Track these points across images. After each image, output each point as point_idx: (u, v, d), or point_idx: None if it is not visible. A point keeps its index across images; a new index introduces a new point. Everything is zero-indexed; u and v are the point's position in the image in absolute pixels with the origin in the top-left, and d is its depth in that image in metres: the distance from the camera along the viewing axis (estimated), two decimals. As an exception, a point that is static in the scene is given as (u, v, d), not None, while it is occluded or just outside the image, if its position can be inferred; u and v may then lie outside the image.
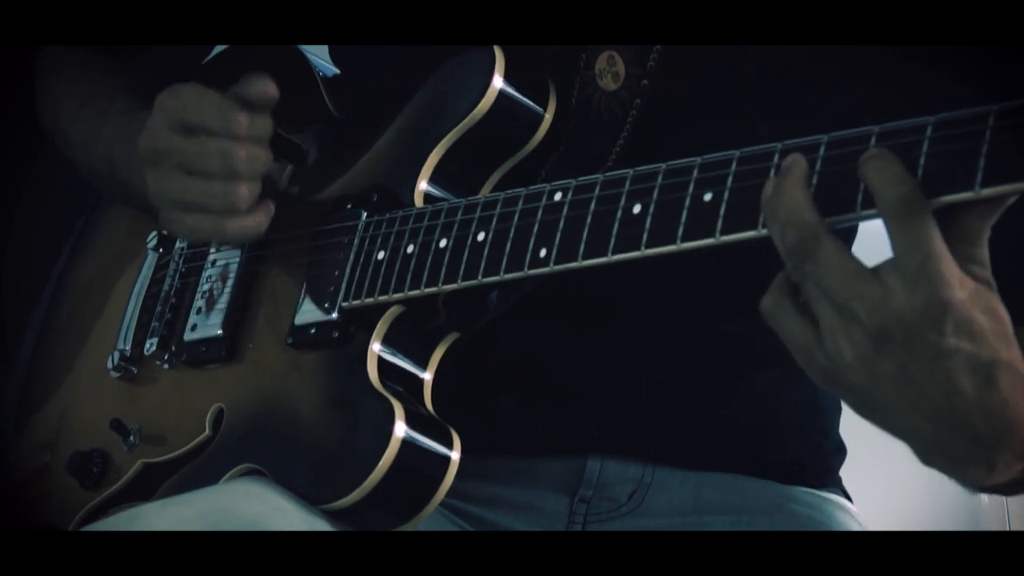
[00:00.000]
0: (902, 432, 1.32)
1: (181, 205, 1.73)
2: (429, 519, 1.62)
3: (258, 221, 1.74)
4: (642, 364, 1.74)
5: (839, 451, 1.90)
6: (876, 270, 1.27)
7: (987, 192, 1.22)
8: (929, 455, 1.32)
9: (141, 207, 1.89)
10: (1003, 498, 2.79)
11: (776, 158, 1.35)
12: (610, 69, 1.73)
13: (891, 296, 1.25)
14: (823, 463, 1.88)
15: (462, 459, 1.61)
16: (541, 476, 1.80)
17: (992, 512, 2.80)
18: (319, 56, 1.93)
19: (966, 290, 1.24)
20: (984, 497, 2.80)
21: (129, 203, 1.95)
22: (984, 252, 1.27)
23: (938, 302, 1.24)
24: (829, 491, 1.88)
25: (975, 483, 1.35)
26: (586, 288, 1.62)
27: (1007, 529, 2.78)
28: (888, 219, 1.25)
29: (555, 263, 1.50)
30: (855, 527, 1.87)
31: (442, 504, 1.66)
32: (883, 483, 2.52)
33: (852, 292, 1.27)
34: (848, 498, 1.90)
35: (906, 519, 2.77)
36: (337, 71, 1.95)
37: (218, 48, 2.01)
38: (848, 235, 1.32)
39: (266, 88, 1.71)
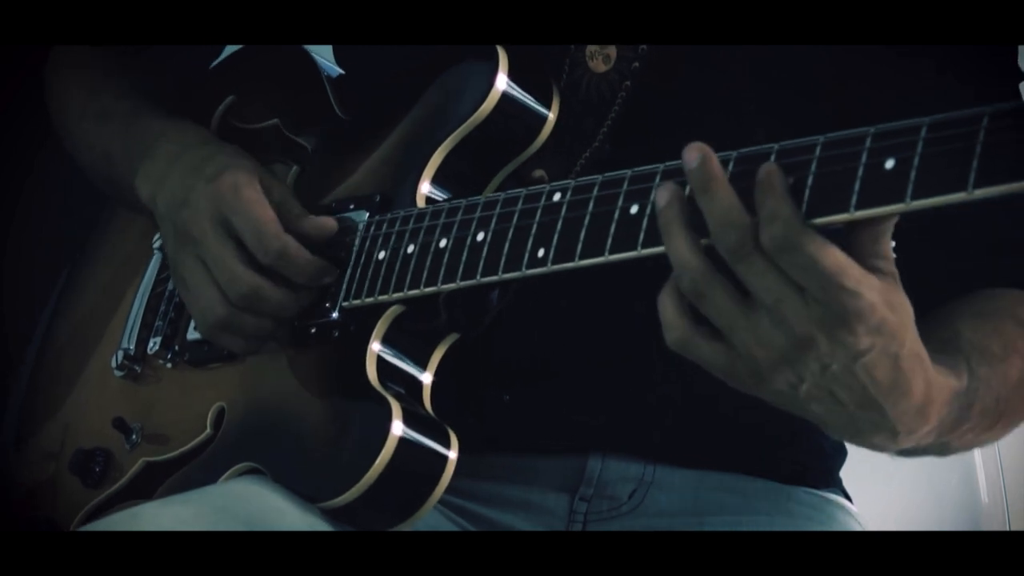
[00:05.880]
0: (817, 417, 1.40)
1: (184, 287, 1.75)
2: (429, 516, 1.62)
3: (238, 345, 1.74)
4: (643, 363, 1.74)
5: (839, 451, 1.90)
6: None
7: (980, 193, 1.23)
8: (837, 432, 1.43)
9: (129, 206, 1.89)
10: (1003, 498, 2.79)
11: (773, 157, 1.35)
12: (601, 51, 1.73)
13: (811, 308, 1.32)
14: (823, 463, 1.88)
15: (463, 457, 1.61)
16: (542, 474, 1.80)
17: (992, 512, 2.79)
18: (323, 57, 1.94)
19: (873, 290, 1.31)
20: (984, 497, 2.80)
21: (120, 201, 1.95)
22: (887, 245, 1.33)
23: (850, 311, 1.31)
24: (829, 491, 1.88)
25: (882, 450, 1.45)
26: (587, 286, 1.62)
27: (1007, 529, 2.78)
28: (770, 254, 1.32)
29: (553, 263, 1.51)
30: (855, 527, 1.87)
31: (442, 502, 1.66)
32: (883, 483, 2.52)
33: (781, 294, 1.33)
34: (848, 498, 1.90)
35: (906, 519, 2.77)
36: (342, 72, 1.95)
37: (229, 48, 2.01)
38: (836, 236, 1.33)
39: (326, 227, 1.72)
